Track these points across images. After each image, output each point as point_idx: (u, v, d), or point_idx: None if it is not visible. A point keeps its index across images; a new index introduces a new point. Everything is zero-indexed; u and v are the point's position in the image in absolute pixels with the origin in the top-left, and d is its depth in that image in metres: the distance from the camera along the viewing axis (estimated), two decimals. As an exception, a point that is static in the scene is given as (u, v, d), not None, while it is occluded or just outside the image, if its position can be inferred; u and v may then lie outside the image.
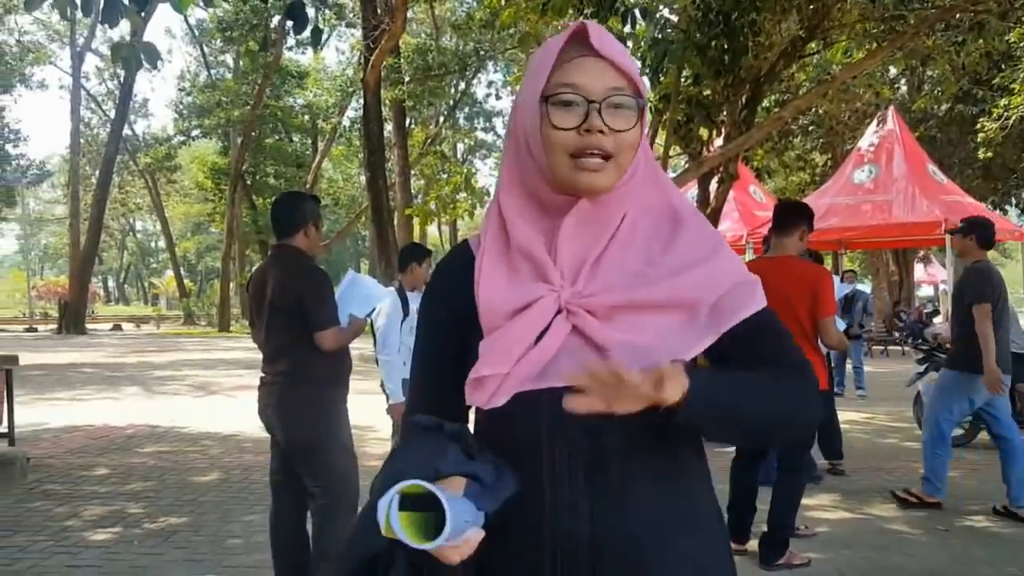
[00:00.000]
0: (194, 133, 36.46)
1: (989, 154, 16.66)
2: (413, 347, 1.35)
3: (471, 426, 1.26)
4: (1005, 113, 15.46)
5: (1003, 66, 15.23)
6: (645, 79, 9.91)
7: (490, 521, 1.07)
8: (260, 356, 3.58)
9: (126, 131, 36.87)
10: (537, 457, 1.14)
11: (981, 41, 9.71)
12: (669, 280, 1.14)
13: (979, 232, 5.34)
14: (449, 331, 1.25)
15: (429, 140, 29.67)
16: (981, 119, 16.29)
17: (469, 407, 1.22)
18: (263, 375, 3.56)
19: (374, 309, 4.94)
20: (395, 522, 0.96)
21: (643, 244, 1.18)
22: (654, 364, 1.03)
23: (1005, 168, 19.17)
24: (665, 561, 1.14)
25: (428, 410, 1.24)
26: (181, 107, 36.29)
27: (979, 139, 16.25)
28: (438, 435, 1.16)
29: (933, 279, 30.57)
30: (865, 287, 19.49)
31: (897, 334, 18.07)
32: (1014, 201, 21.43)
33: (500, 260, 1.19)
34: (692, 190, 10.51)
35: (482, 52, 24.13)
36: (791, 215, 4.39)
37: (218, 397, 11.38)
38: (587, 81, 1.13)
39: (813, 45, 10.65)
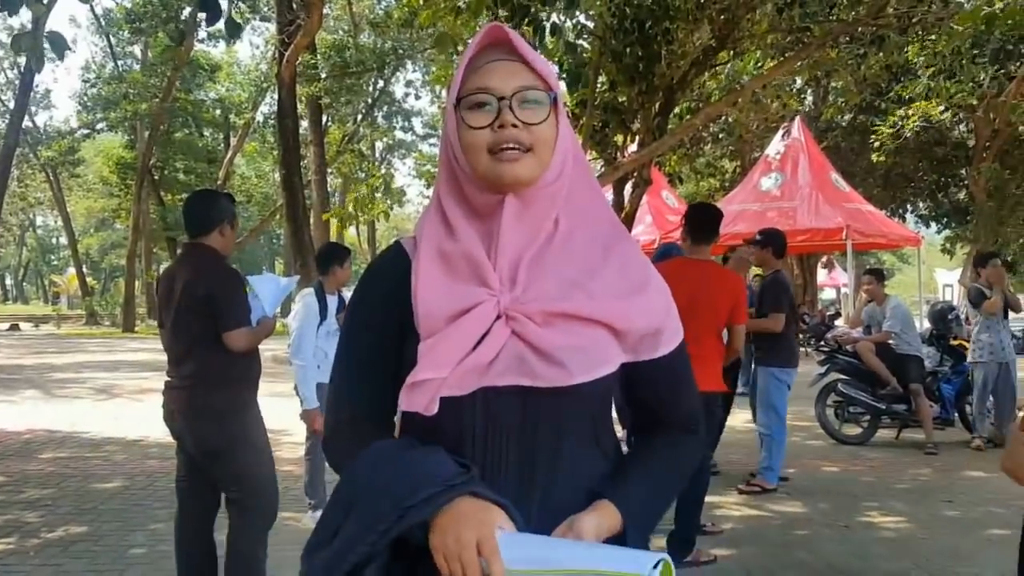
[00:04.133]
0: (99, 126, 35.12)
1: (882, 158, 17.30)
2: (338, 349, 1.32)
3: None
4: (901, 123, 16.15)
5: (901, 79, 15.91)
6: (562, 84, 10.03)
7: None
8: (165, 359, 3.47)
9: (26, 123, 35.27)
10: (469, 458, 1.15)
11: (881, 54, 10.12)
12: (606, 302, 1.17)
13: (776, 243, 5.87)
14: (383, 334, 1.24)
15: (347, 138, 29.30)
16: (877, 126, 16.97)
17: (394, 412, 1.22)
18: (169, 379, 3.43)
19: (287, 306, 4.83)
20: None
21: (580, 254, 1.20)
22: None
23: (903, 177, 20.05)
24: None
25: (358, 413, 1.24)
26: (85, 99, 34.91)
27: (874, 146, 16.91)
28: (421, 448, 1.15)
29: (835, 283, 31.73)
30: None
31: (801, 336, 18.68)
32: (911, 209, 22.44)
33: (439, 263, 1.19)
34: (608, 194, 10.67)
35: (401, 51, 23.97)
36: (713, 222, 4.43)
37: (121, 400, 10.99)
38: (497, 82, 1.17)
39: (724, 55, 10.93)
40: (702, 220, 4.42)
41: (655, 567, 1.00)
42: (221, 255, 3.45)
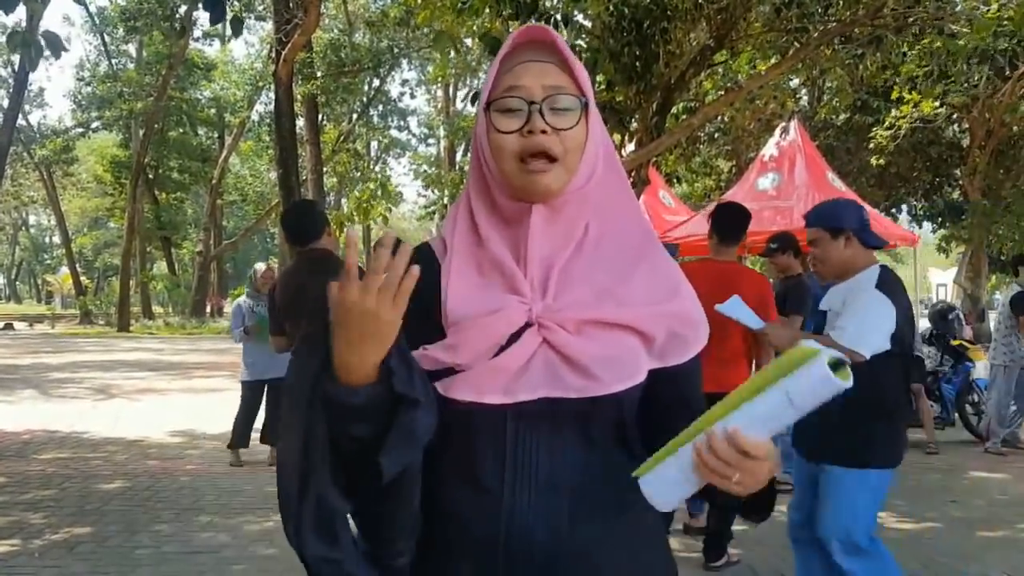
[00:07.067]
0: (94, 125, 35.00)
1: (881, 161, 17.38)
2: None
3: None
4: (896, 123, 16.21)
5: (896, 79, 15.97)
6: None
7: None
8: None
9: (20, 121, 35.18)
10: (499, 463, 1.15)
11: (878, 55, 10.15)
12: (636, 308, 1.16)
13: (792, 245, 5.65)
14: (409, 331, 1.21)
15: (342, 137, 29.25)
16: (874, 128, 17.01)
17: None
18: None
19: None
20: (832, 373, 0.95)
21: (611, 260, 1.19)
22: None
23: (897, 176, 20.10)
24: (615, 572, 1.17)
25: None
26: (80, 97, 34.77)
27: (871, 146, 16.95)
28: None
29: (831, 282, 31.77)
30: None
31: (797, 335, 18.69)
32: (905, 208, 22.51)
33: (469, 266, 1.19)
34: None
35: (396, 50, 23.94)
36: (742, 223, 4.27)
37: (120, 401, 10.96)
38: (527, 84, 1.15)
39: (721, 55, 10.95)
40: (731, 220, 4.24)
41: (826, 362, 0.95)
42: (336, 257, 3.72)
